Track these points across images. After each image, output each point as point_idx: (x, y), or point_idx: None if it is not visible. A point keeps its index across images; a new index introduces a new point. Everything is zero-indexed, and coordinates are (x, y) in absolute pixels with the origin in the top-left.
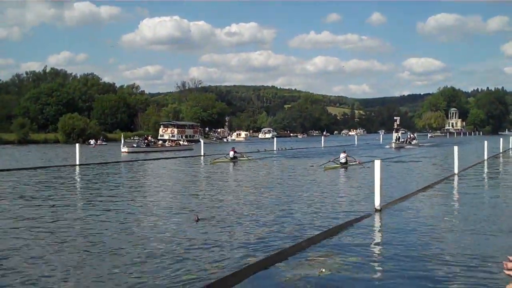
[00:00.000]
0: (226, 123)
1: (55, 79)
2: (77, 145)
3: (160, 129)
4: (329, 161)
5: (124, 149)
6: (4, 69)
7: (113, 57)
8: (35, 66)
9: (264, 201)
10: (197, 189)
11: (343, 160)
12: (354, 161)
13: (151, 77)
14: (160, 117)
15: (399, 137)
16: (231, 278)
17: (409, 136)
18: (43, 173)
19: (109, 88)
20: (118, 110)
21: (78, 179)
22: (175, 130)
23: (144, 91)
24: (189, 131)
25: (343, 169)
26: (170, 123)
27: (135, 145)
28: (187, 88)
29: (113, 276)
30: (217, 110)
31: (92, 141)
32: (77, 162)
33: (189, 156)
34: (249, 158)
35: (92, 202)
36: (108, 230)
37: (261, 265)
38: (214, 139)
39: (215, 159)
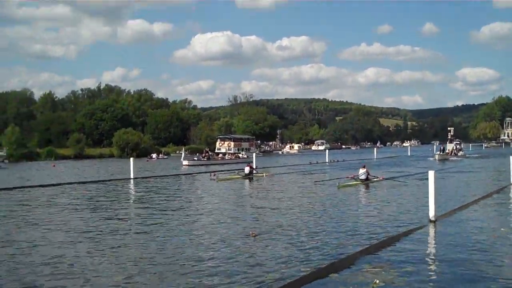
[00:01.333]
0: (278, 136)
1: (109, 95)
2: (131, 159)
3: (217, 143)
4: (348, 177)
5: (185, 162)
6: (60, 86)
7: (166, 73)
8: (90, 83)
9: (310, 215)
10: (246, 203)
11: (363, 177)
12: (376, 177)
13: (204, 92)
14: (213, 131)
15: (443, 148)
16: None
17: (454, 147)
18: (101, 187)
19: (162, 103)
20: (171, 124)
21: (132, 192)
22: (232, 143)
23: (196, 105)
24: (245, 144)
25: (363, 186)
26: (227, 136)
27: (195, 158)
28: (238, 102)
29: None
30: (268, 123)
31: (154, 155)
32: (132, 176)
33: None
34: (267, 174)
35: (142, 215)
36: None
37: (314, 276)
38: (257, 152)
39: (219, 176)
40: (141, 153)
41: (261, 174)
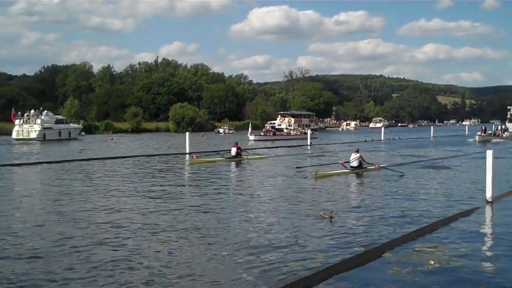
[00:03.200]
0: (333, 113)
1: (166, 69)
2: (187, 134)
3: (278, 119)
4: (340, 163)
5: (252, 137)
6: (118, 60)
7: (222, 47)
8: (148, 57)
9: (368, 196)
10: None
11: (354, 163)
12: (371, 165)
13: (259, 67)
14: (268, 107)
15: (485, 128)
16: (337, 266)
17: (499, 127)
18: (158, 160)
19: (218, 77)
20: (227, 99)
21: (187, 168)
22: (292, 119)
23: (252, 80)
24: (305, 121)
25: (353, 175)
26: (287, 112)
27: (262, 134)
28: (294, 77)
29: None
30: (324, 100)
31: (221, 130)
32: (187, 151)
33: (298, 146)
34: (260, 155)
35: (199, 193)
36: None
37: (368, 256)
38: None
39: (194, 158)
40: (196, 128)
41: (256, 156)
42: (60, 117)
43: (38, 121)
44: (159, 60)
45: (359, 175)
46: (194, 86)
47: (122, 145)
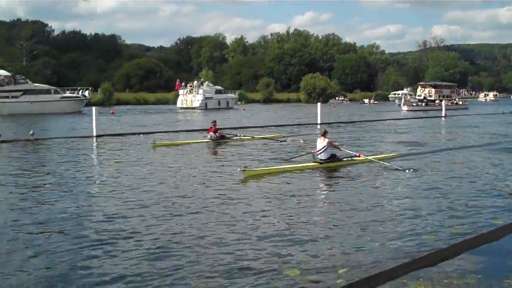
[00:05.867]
0: (469, 83)
1: (297, 40)
2: (318, 104)
3: (418, 89)
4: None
5: (404, 108)
6: (251, 31)
7: (354, 17)
8: (280, 28)
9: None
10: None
11: (323, 155)
12: (352, 155)
13: (392, 37)
14: (400, 77)
15: None
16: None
17: None
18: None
19: (350, 48)
20: (358, 69)
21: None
22: (433, 90)
23: (384, 50)
24: (446, 91)
25: (319, 173)
26: (428, 83)
27: (414, 104)
28: (428, 47)
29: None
30: (459, 70)
31: (366, 100)
32: (319, 121)
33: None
34: (242, 136)
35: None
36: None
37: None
38: (458, 98)
39: (155, 141)
40: (328, 98)
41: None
42: (219, 87)
43: (200, 91)
44: (291, 30)
45: (329, 173)
46: (325, 57)
47: (257, 114)
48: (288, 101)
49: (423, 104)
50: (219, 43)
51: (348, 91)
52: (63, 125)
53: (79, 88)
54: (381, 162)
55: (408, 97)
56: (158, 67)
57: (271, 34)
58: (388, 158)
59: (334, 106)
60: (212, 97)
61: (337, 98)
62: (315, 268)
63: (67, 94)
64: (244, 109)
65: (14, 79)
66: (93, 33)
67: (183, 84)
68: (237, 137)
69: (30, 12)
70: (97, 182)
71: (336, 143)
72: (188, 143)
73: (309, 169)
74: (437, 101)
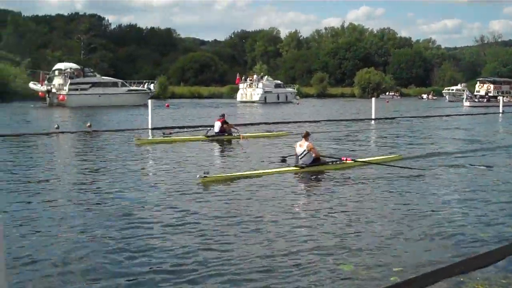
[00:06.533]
0: None
1: (352, 34)
2: (373, 99)
3: (477, 85)
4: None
5: (467, 103)
6: (306, 25)
7: (411, 11)
8: (334, 22)
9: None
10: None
11: (304, 158)
12: (335, 159)
13: (448, 31)
14: (456, 72)
15: None
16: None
17: None
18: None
19: (405, 42)
20: (414, 64)
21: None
22: (491, 86)
23: (440, 45)
24: (505, 87)
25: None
26: (487, 79)
27: (476, 100)
28: (486, 42)
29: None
30: None
31: (424, 96)
32: (373, 116)
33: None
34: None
35: None
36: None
37: None
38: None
39: (140, 137)
40: (381, 93)
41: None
42: (278, 81)
43: (260, 85)
44: (346, 25)
45: (308, 179)
46: (380, 51)
47: (311, 108)
48: (342, 95)
49: (485, 100)
50: (273, 37)
51: (402, 86)
52: (126, 118)
53: (144, 81)
54: (384, 164)
55: (467, 93)
56: (213, 61)
57: (325, 29)
58: (389, 160)
59: (388, 102)
60: (271, 91)
61: (387, 93)
62: (369, 264)
63: (133, 87)
64: (298, 103)
65: (83, 72)
66: (149, 27)
67: (243, 78)
68: (239, 134)
69: (87, 5)
70: (135, 173)
71: (317, 150)
72: (184, 140)
73: (288, 173)
74: (499, 98)
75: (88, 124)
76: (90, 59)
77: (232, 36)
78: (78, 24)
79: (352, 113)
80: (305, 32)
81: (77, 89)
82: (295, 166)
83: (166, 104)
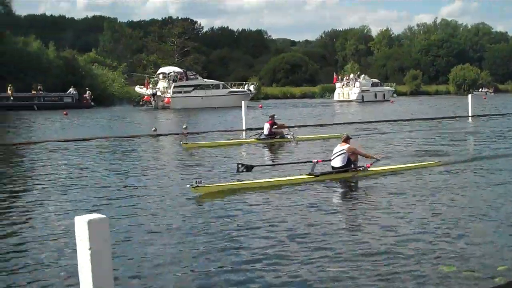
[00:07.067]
0: None
1: (445, 30)
2: (469, 96)
3: None
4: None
5: None
6: (397, 22)
7: (508, 5)
8: (427, 18)
9: None
10: None
11: (337, 161)
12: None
13: None
14: None
15: None
16: None
17: None
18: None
19: (501, 37)
20: (511, 60)
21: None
22: None
23: None
24: None
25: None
26: None
27: None
28: None
29: None
30: None
31: None
32: (470, 114)
33: None
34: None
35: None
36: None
37: None
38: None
39: (185, 142)
40: (478, 89)
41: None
42: (376, 80)
43: (357, 84)
44: (438, 21)
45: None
46: (475, 47)
47: (406, 106)
48: (437, 93)
49: None
50: (364, 36)
51: (499, 82)
52: (225, 119)
53: (244, 83)
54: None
55: None
56: (303, 61)
57: (418, 25)
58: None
59: (485, 98)
60: (368, 90)
61: (481, 89)
62: (471, 265)
63: (233, 88)
64: (392, 102)
65: (186, 75)
66: (240, 29)
67: (339, 77)
68: (292, 137)
69: (180, 9)
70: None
71: (358, 151)
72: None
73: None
74: None
75: (184, 126)
76: (184, 62)
77: (323, 35)
78: (172, 28)
79: (448, 110)
80: (397, 29)
81: (180, 92)
82: (309, 174)
83: (259, 105)
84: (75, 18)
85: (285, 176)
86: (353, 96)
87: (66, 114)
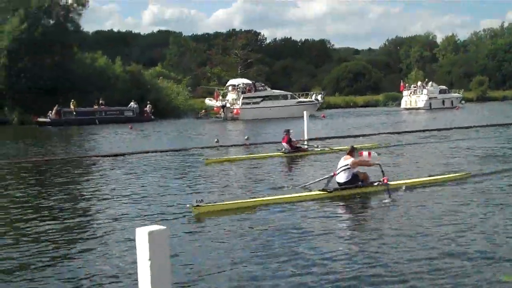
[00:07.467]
0: None
1: None
2: None
3: None
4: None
5: None
6: (463, 28)
7: None
8: (493, 23)
9: None
10: None
11: (341, 177)
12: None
13: None
14: None
15: None
16: None
17: None
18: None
19: None
20: None
21: None
22: None
23: None
24: None
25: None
26: None
27: None
28: None
29: None
30: None
31: None
32: None
33: None
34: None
35: None
36: None
37: None
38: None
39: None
40: None
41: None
42: (443, 87)
43: (425, 91)
44: (505, 25)
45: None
46: None
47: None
48: (504, 98)
49: None
50: (429, 42)
51: None
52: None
53: (311, 93)
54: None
55: None
56: (366, 69)
57: (484, 30)
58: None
59: None
60: (436, 97)
61: None
62: None
63: (301, 98)
64: (457, 109)
65: (255, 87)
66: (303, 39)
67: (406, 85)
68: (315, 149)
69: (244, 22)
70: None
71: (364, 162)
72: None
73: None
74: None
75: (246, 137)
76: (247, 74)
77: (386, 43)
78: (236, 40)
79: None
80: (462, 34)
81: (249, 103)
82: (322, 190)
83: (322, 115)
84: (141, 33)
85: (296, 193)
86: (421, 104)
87: (131, 128)
